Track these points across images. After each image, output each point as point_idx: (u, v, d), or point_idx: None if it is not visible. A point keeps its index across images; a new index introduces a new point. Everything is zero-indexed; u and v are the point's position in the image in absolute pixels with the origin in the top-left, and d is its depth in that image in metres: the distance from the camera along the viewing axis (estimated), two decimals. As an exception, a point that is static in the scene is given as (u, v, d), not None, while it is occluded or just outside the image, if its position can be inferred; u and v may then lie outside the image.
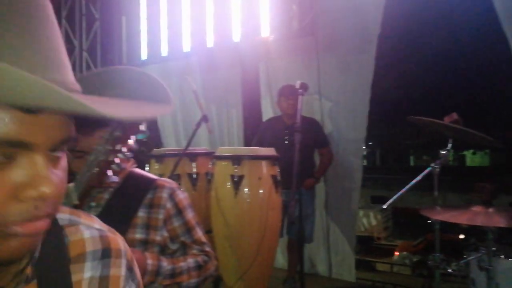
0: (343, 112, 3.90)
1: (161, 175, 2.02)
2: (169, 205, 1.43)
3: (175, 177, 2.53)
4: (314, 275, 4.08)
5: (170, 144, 4.98)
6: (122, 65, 5.42)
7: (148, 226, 1.40)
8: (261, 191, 2.48)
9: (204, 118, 2.49)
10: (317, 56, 3.93)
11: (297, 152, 2.25)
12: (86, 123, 1.25)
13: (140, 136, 1.22)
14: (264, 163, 2.52)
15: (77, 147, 1.26)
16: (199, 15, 4.28)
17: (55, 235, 0.60)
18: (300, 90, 2.52)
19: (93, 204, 1.38)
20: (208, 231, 2.34)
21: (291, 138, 3.51)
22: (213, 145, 4.11)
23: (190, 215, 1.48)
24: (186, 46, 4.37)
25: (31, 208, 0.48)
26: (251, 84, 4.55)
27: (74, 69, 5.47)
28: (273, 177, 2.53)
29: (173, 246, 1.46)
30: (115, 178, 1.15)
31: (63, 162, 0.53)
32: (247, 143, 4.37)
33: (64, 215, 0.63)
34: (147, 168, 2.82)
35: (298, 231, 2.39)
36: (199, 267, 1.44)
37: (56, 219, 0.61)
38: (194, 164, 2.72)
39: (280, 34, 3.86)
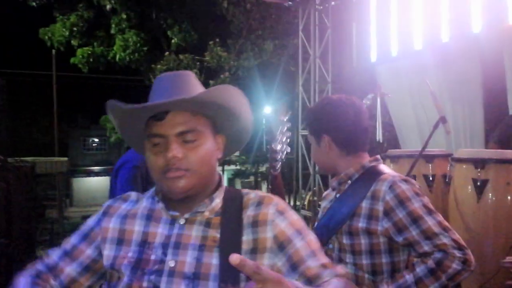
0: None
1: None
2: (388, 197, 1.46)
3: (411, 178, 2.55)
4: None
5: (408, 145, 4.89)
6: (352, 68, 5.71)
7: (370, 216, 1.48)
8: (509, 197, 2.27)
9: (442, 119, 2.44)
10: None
11: None
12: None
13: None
14: (513, 167, 2.28)
15: None
16: (433, 10, 4.11)
17: (236, 196, 1.08)
18: None
19: (337, 195, 1.65)
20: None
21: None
22: (448, 146, 3.88)
23: (415, 205, 1.44)
24: (418, 44, 4.26)
25: (169, 164, 0.99)
26: (493, 78, 4.07)
27: (309, 74, 6.07)
28: (526, 183, 2.26)
29: (398, 239, 1.45)
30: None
31: (198, 146, 1.01)
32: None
33: (245, 191, 1.11)
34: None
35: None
36: (431, 271, 1.36)
37: (239, 191, 1.10)
38: (430, 166, 2.69)
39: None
